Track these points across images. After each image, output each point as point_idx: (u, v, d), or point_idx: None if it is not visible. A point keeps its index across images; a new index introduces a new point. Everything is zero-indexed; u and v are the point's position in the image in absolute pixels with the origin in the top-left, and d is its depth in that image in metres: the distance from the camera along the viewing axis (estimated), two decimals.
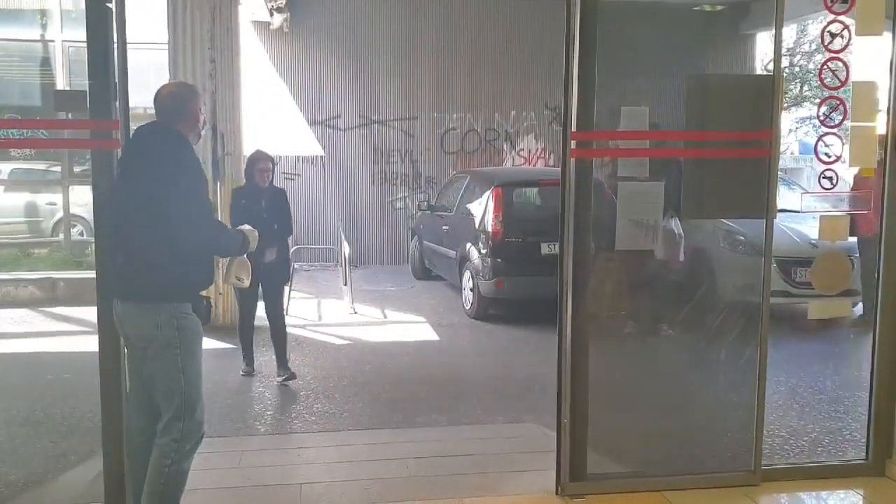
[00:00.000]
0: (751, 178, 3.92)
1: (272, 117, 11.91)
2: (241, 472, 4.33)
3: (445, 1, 12.44)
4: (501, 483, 4.17)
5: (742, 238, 7.40)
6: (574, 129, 3.72)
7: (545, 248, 7.96)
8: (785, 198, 4.19)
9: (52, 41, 10.72)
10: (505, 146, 12.80)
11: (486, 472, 4.33)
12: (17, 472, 4.30)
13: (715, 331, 4.73)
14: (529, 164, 12.75)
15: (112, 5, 3.50)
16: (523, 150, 12.82)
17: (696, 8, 5.10)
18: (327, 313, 8.97)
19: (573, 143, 3.75)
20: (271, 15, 11.56)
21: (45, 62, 10.92)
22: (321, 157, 12.50)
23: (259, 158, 6.15)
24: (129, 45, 3.56)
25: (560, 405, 3.87)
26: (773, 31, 3.88)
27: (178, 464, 3.11)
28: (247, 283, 3.56)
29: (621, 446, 4.16)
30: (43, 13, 11.01)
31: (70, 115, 3.89)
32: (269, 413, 5.45)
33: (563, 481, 3.90)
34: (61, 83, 10.41)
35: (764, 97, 3.87)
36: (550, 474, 4.00)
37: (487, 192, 8.41)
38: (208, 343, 7.26)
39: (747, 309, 4.62)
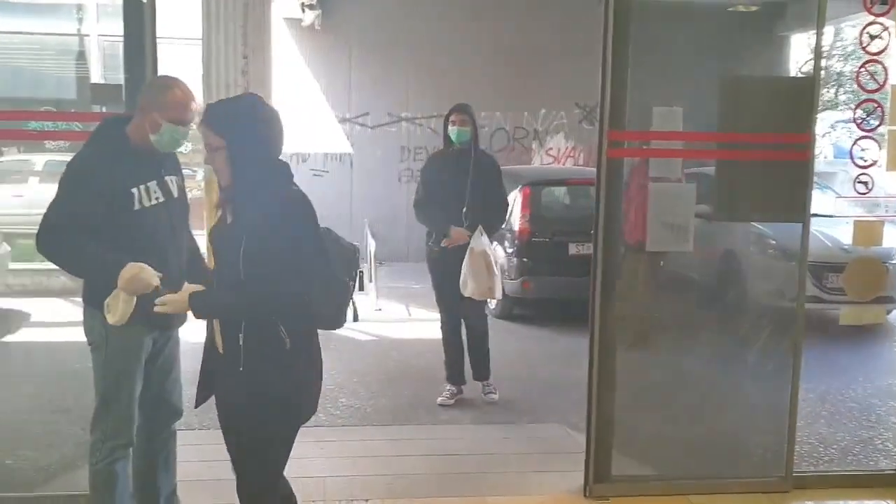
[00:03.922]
0: (786, 181, 3.88)
1: (302, 114, 11.96)
2: None
3: None
4: (525, 483, 4.17)
5: (773, 242, 7.32)
6: (609, 128, 3.70)
7: (573, 249, 7.92)
8: (818, 201, 4.13)
9: (88, 35, 10.85)
10: (534, 145, 12.75)
11: (510, 472, 4.33)
12: (48, 457, 4.36)
13: (745, 335, 4.68)
14: (558, 163, 12.67)
15: (146, 0, 3.54)
16: (552, 148, 12.75)
17: (730, 9, 5.05)
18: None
19: (609, 143, 3.73)
20: (303, 11, 11.61)
21: (81, 56, 11.05)
22: (349, 154, 12.54)
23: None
24: (163, 41, 3.61)
25: (590, 406, 3.86)
26: (811, 33, 3.84)
27: (102, 463, 3.08)
28: (111, 319, 2.91)
29: (648, 448, 4.13)
30: (79, 7, 11.15)
31: (105, 109, 3.94)
32: None
33: (589, 482, 3.89)
34: (96, 77, 10.54)
35: (801, 99, 3.83)
36: (575, 475, 3.99)
37: (515, 191, 8.37)
38: None
39: (777, 313, 4.57)
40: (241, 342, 2.60)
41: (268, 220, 2.57)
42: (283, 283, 2.56)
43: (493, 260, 5.33)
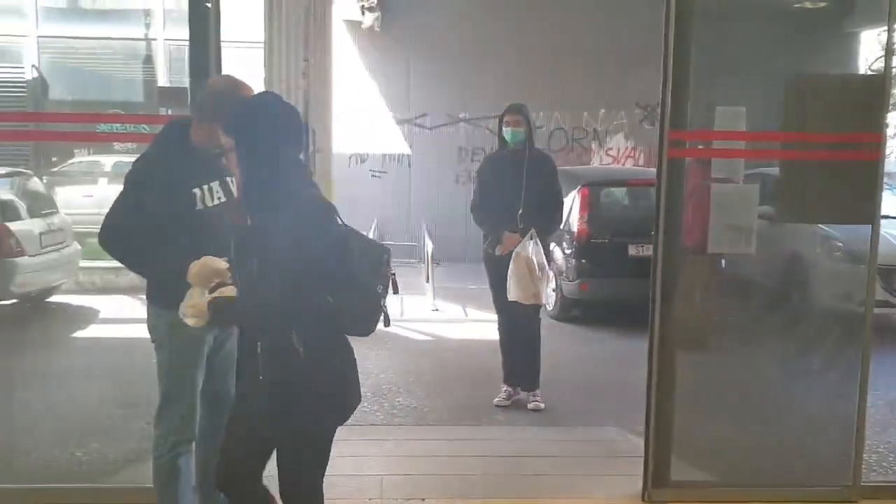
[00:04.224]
0: (855, 181, 3.77)
1: (361, 115, 12.08)
2: None
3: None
4: (582, 486, 4.13)
5: (839, 244, 7.12)
6: (670, 128, 3.65)
7: (632, 250, 7.83)
8: (888, 203, 4.00)
9: (155, 40, 11.16)
10: (593, 145, 12.64)
11: (567, 474, 4.30)
12: (115, 450, 4.50)
13: (810, 340, 4.57)
14: (618, 163, 12.55)
15: (210, 5, 3.62)
16: (612, 149, 12.63)
17: (797, 5, 4.93)
18: (409, 309, 9.05)
19: (669, 143, 3.67)
20: (363, 14, 11.73)
21: (148, 60, 11.37)
22: (407, 155, 12.62)
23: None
24: (227, 44, 3.68)
25: (648, 410, 3.81)
26: (882, 30, 3.73)
27: (165, 458, 3.16)
28: (191, 322, 2.75)
29: (708, 454, 4.06)
30: (147, 13, 11.48)
31: (170, 111, 4.04)
32: None
33: (648, 487, 3.85)
34: (162, 80, 10.82)
35: (871, 98, 3.72)
36: (633, 479, 3.94)
37: (573, 192, 8.31)
38: None
39: (845, 318, 4.45)
40: (259, 350, 2.57)
41: (278, 223, 2.48)
42: (293, 289, 2.46)
43: (536, 265, 5.22)
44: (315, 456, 2.70)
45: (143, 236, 2.99)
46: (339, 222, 2.60)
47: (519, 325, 5.50)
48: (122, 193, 3.06)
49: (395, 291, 2.71)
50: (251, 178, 2.55)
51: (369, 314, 2.64)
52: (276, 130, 2.54)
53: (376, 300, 2.64)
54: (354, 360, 2.73)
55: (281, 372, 2.56)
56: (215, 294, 2.65)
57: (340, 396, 2.68)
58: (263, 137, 2.52)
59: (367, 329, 2.67)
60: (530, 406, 5.44)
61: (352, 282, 2.56)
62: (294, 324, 2.51)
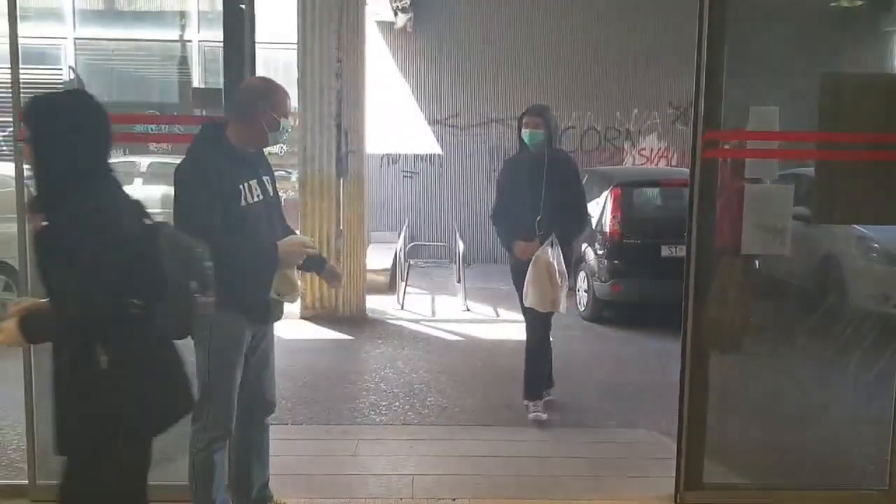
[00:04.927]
0: (893, 181, 3.71)
1: (393, 115, 12.13)
2: (357, 461, 4.45)
3: None
4: (613, 487, 4.12)
5: (876, 245, 7.02)
6: (703, 128, 3.62)
7: (665, 251, 7.77)
8: None
9: (190, 41, 11.29)
10: (626, 145, 12.57)
11: (597, 476, 4.29)
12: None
13: (845, 341, 4.50)
14: (651, 163, 12.46)
15: (244, 7, 3.67)
16: (645, 149, 12.54)
17: (833, 4, 4.86)
18: (441, 309, 9.08)
19: (703, 143, 3.65)
20: (395, 15, 11.78)
21: (183, 61, 11.51)
22: (439, 155, 12.65)
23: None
24: (261, 45, 3.72)
25: (681, 412, 3.79)
26: None
27: (202, 454, 3.20)
28: (290, 298, 3.30)
29: (741, 456, 4.02)
30: (182, 15, 11.62)
31: (205, 112, 4.09)
32: (383, 403, 5.57)
33: (679, 489, 3.82)
34: (197, 81, 10.95)
35: None
36: (664, 482, 3.92)
37: (606, 192, 8.28)
38: (329, 334, 7.51)
39: (881, 319, 4.38)
40: (57, 365, 2.38)
41: (64, 225, 2.30)
42: (90, 296, 2.27)
43: (557, 271, 4.99)
44: (128, 469, 2.52)
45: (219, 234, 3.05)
46: (146, 221, 2.48)
47: (526, 333, 5.36)
48: (185, 201, 3.07)
49: (210, 287, 2.56)
50: (38, 175, 2.38)
51: (182, 315, 2.48)
52: (74, 135, 2.36)
53: (190, 300, 2.47)
54: (177, 365, 2.59)
55: (81, 388, 2.36)
56: (21, 312, 2.40)
57: (154, 407, 2.49)
58: (58, 140, 2.36)
59: (181, 331, 2.55)
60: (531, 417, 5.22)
61: (160, 283, 2.37)
62: (97, 334, 2.33)
